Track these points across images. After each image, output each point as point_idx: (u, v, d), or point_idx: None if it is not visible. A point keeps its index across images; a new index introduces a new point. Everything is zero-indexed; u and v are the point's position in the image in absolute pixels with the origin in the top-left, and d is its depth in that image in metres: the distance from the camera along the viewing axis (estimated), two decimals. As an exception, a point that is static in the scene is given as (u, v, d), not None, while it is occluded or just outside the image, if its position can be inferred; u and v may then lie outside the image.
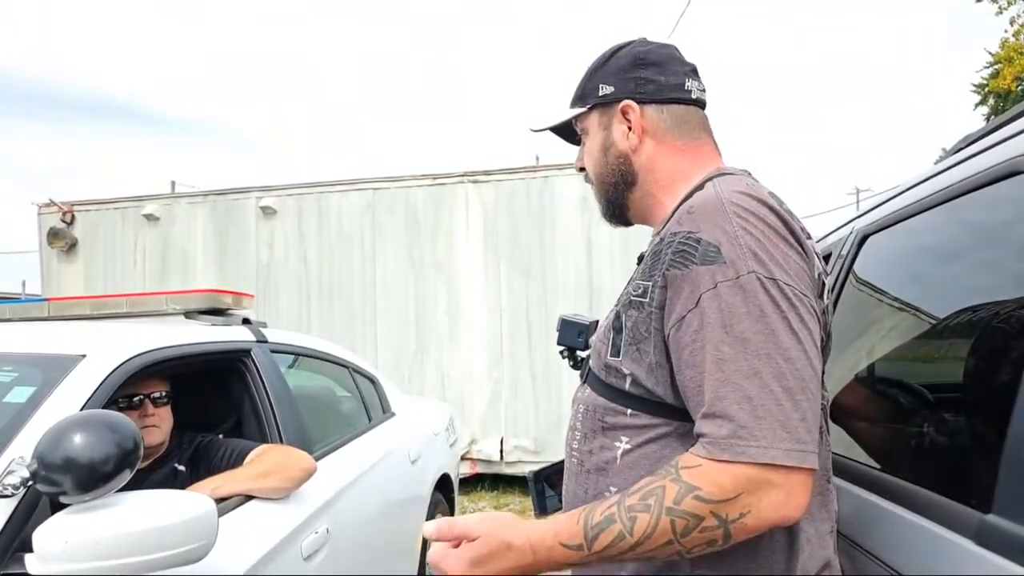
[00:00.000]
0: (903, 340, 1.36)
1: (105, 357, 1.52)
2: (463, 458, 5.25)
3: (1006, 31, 15.37)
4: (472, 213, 5.77)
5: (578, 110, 1.08)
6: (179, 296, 2.28)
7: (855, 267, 1.58)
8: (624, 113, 1.03)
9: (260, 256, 6.14)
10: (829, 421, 0.99)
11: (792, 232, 0.86)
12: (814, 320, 0.83)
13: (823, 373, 0.95)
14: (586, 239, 5.51)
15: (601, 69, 1.06)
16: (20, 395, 1.40)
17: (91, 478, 1.10)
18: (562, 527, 0.83)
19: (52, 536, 1.07)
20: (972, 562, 0.81)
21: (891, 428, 1.34)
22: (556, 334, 1.35)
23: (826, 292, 0.93)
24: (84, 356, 1.50)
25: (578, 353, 1.33)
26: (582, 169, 1.13)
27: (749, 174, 0.99)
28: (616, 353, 0.93)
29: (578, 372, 1.16)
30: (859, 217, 1.73)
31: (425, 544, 2.84)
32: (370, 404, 2.95)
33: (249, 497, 1.68)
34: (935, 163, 1.37)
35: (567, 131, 1.15)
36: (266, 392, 2.04)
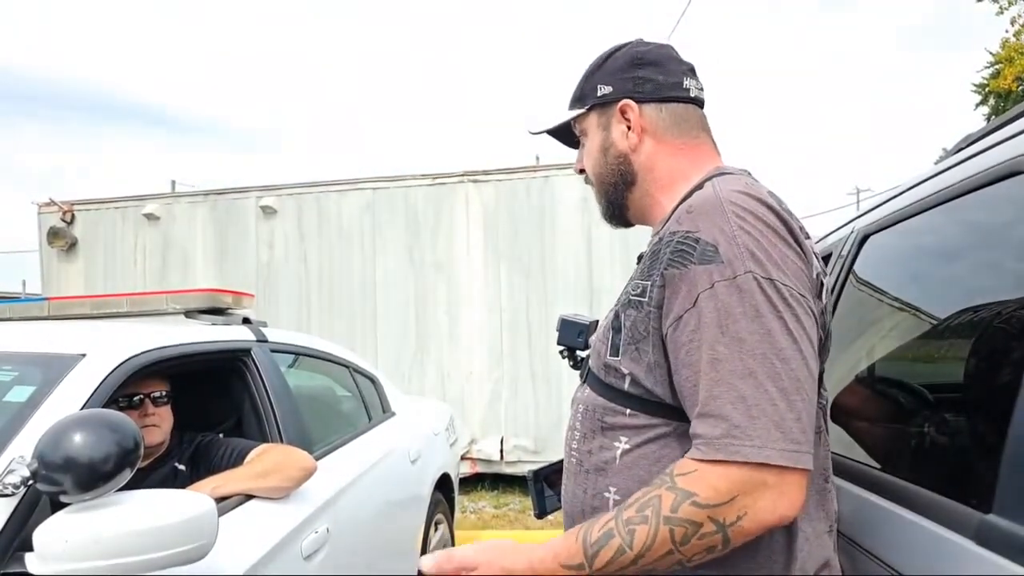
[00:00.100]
0: (903, 340, 1.36)
1: (105, 356, 1.52)
2: (463, 458, 5.25)
3: (1007, 31, 15.36)
4: (472, 213, 5.77)
5: (577, 111, 1.08)
6: (179, 295, 2.28)
7: (855, 267, 1.58)
8: (623, 112, 1.03)
9: (260, 256, 6.14)
10: (829, 421, 0.99)
11: (791, 232, 0.86)
12: (811, 320, 0.83)
13: (822, 373, 0.95)
14: (586, 239, 5.51)
15: (599, 70, 1.06)
16: (20, 394, 1.40)
17: (91, 477, 1.10)
18: (561, 548, 0.83)
19: (52, 535, 1.07)
20: (972, 562, 0.81)
21: (891, 428, 1.34)
22: (556, 334, 1.35)
23: (824, 292, 0.93)
24: (84, 355, 1.50)
25: (578, 353, 1.33)
26: (582, 171, 1.12)
27: (749, 173, 0.99)
28: (615, 353, 0.93)
29: (578, 372, 1.16)
30: (859, 217, 1.73)
31: (425, 544, 2.84)
32: (370, 404, 2.95)
33: (249, 496, 1.68)
34: (935, 163, 1.37)
35: (566, 134, 1.15)
36: (266, 391, 2.04)
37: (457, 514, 3.68)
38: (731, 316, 0.79)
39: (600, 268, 5.47)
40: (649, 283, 0.89)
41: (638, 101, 1.02)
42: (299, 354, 2.57)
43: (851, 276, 1.59)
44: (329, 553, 1.88)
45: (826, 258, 1.80)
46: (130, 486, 1.18)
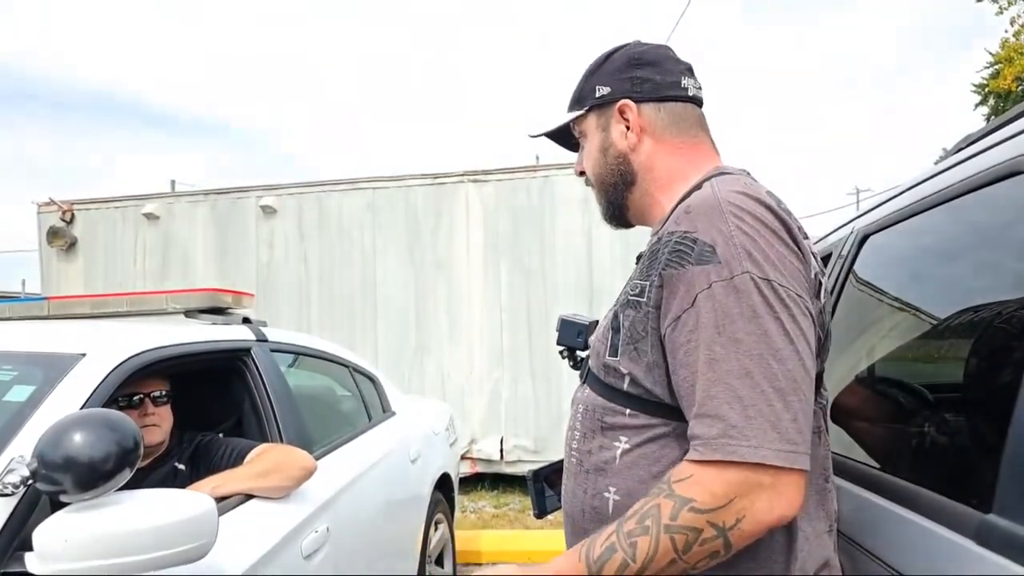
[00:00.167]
0: (903, 340, 1.36)
1: (105, 356, 1.52)
2: (463, 457, 5.25)
3: (1006, 31, 15.36)
4: (472, 212, 5.77)
5: (575, 113, 1.08)
6: (179, 295, 2.28)
7: (855, 267, 1.58)
8: (621, 112, 1.03)
9: (260, 255, 6.14)
10: (829, 421, 0.99)
11: (789, 232, 0.86)
12: (808, 320, 0.83)
13: (822, 373, 0.95)
14: (586, 238, 5.51)
15: (597, 72, 1.07)
16: (20, 394, 1.39)
17: (91, 477, 1.10)
18: (564, 567, 0.83)
19: (52, 535, 1.07)
20: (972, 562, 0.81)
21: (891, 428, 1.34)
22: (556, 334, 1.35)
23: (823, 292, 0.93)
24: (84, 355, 1.50)
25: (578, 353, 1.33)
26: (582, 173, 1.12)
27: (748, 173, 0.99)
28: (614, 353, 0.93)
29: (578, 372, 1.16)
30: (859, 217, 1.73)
31: (425, 544, 2.84)
32: (370, 403, 2.95)
33: (249, 496, 1.68)
34: (935, 163, 1.37)
35: (565, 137, 1.15)
36: (266, 391, 2.04)
37: (457, 514, 3.69)
38: (728, 316, 0.79)
39: (600, 268, 5.47)
40: (647, 283, 0.89)
41: (636, 101, 1.02)
42: (299, 354, 2.57)
43: (851, 276, 1.59)
44: (329, 553, 1.88)
45: (826, 258, 1.80)
46: (130, 486, 1.18)
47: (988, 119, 14.98)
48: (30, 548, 1.08)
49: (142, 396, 1.77)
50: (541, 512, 1.25)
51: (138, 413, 1.74)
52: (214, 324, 2.20)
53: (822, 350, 0.93)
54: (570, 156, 1.18)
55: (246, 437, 1.98)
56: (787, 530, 0.85)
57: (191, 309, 2.25)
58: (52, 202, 6.49)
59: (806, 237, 0.90)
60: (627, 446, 0.91)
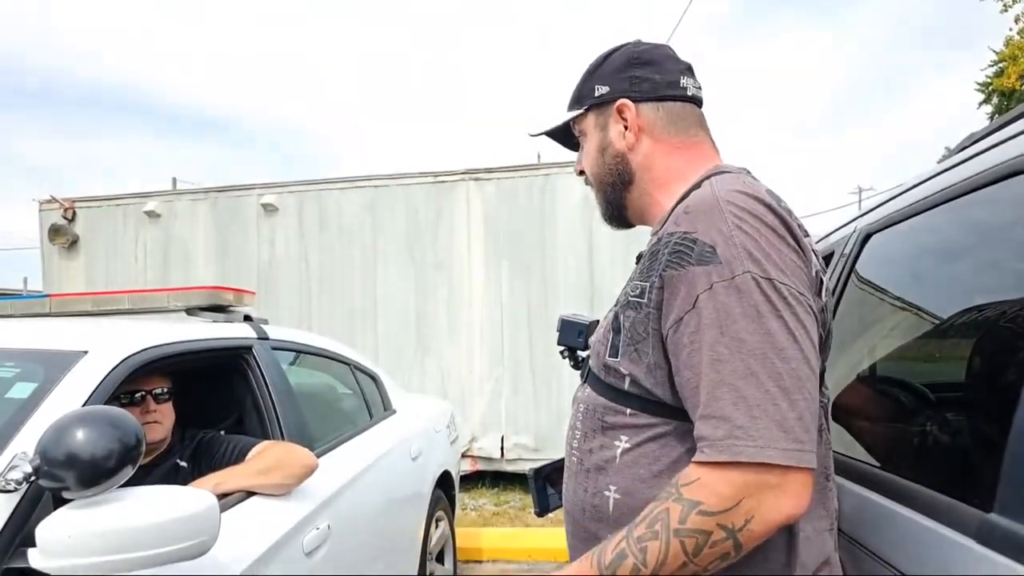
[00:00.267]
0: (905, 339, 1.36)
1: (107, 353, 1.52)
2: (464, 455, 5.26)
3: (1011, 29, 15.32)
4: (473, 211, 5.77)
5: (575, 112, 1.08)
6: (181, 293, 2.28)
7: (858, 266, 1.58)
8: (620, 112, 1.03)
9: (261, 253, 6.14)
10: (830, 419, 0.99)
11: (789, 230, 0.85)
12: (811, 318, 0.83)
13: (823, 371, 0.95)
14: (587, 237, 5.51)
15: (596, 71, 1.06)
16: (22, 391, 1.40)
17: (93, 474, 1.10)
18: (576, 573, 0.84)
19: (55, 531, 1.07)
20: (974, 561, 0.81)
21: (893, 427, 1.34)
22: (556, 333, 1.35)
23: (824, 290, 0.93)
24: (86, 352, 1.50)
25: (578, 353, 1.33)
26: (582, 173, 1.12)
27: (748, 172, 0.98)
28: (615, 353, 0.93)
29: (578, 371, 1.16)
30: (862, 216, 1.73)
31: (426, 541, 2.84)
32: (371, 401, 2.96)
33: (251, 493, 1.68)
34: (938, 162, 1.37)
35: (565, 137, 1.15)
36: (267, 389, 2.05)
37: (458, 511, 3.69)
38: (731, 317, 0.79)
39: (601, 267, 5.47)
40: (648, 284, 0.89)
41: (635, 100, 1.02)
42: (300, 351, 2.57)
43: (853, 275, 1.59)
44: (330, 550, 1.88)
45: (828, 257, 1.80)
46: (132, 483, 1.18)
47: (992, 118, 14.95)
48: (33, 544, 1.09)
49: (144, 393, 1.77)
50: (542, 510, 1.25)
51: (140, 410, 1.75)
52: (215, 322, 2.20)
53: (823, 348, 0.93)
54: (571, 155, 1.18)
55: (248, 434, 1.99)
56: (788, 529, 0.85)
57: (192, 307, 2.25)
58: (54, 200, 6.49)
59: (807, 235, 0.90)
60: (627, 445, 0.91)
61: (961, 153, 1.21)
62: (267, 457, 1.77)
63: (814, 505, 0.89)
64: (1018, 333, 0.90)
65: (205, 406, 2.14)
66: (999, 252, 1.03)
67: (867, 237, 1.55)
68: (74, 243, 6.47)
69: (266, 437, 1.95)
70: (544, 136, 1.16)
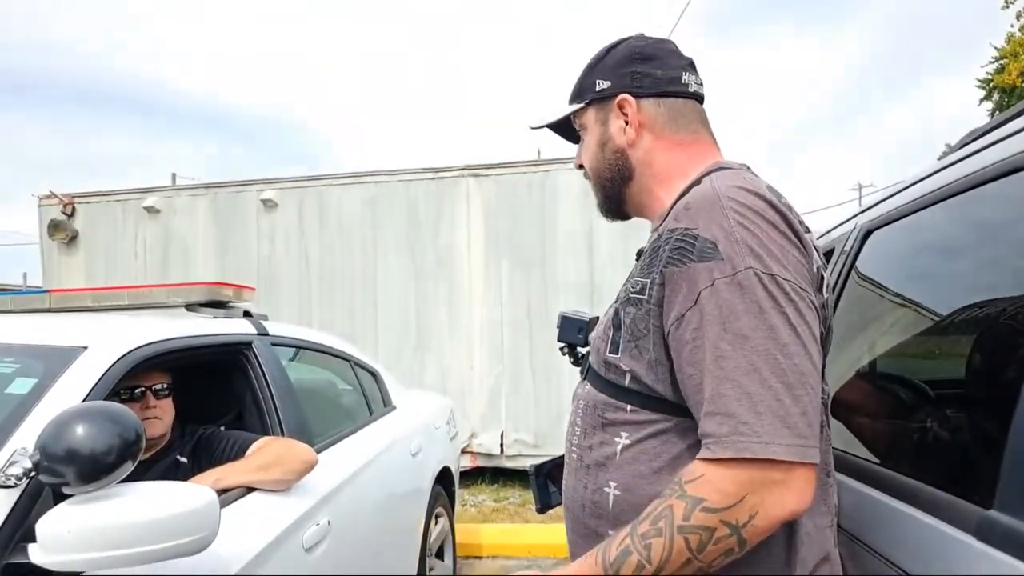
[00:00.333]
0: (905, 336, 1.36)
1: (107, 349, 1.52)
2: (463, 451, 5.26)
3: (1012, 25, 15.27)
4: (473, 207, 5.77)
5: (575, 106, 1.08)
6: (180, 288, 2.28)
7: (858, 262, 1.58)
8: (621, 107, 1.03)
9: (261, 249, 6.14)
10: (830, 416, 0.99)
11: (790, 226, 0.85)
12: (813, 314, 0.83)
13: (824, 367, 0.95)
14: (587, 234, 5.50)
15: (598, 65, 1.06)
16: (22, 386, 1.40)
17: (93, 469, 1.10)
18: (581, 570, 0.84)
19: (55, 526, 1.07)
20: (973, 558, 0.81)
21: (893, 424, 1.34)
22: (556, 329, 1.35)
23: (825, 286, 0.93)
24: (86, 348, 1.50)
25: (578, 349, 1.33)
26: (581, 167, 1.12)
27: (748, 168, 0.98)
28: (615, 350, 0.92)
29: (578, 368, 1.16)
30: (863, 212, 1.73)
31: (426, 537, 2.85)
32: (371, 397, 2.96)
33: (251, 489, 1.68)
34: (939, 159, 1.37)
35: (566, 129, 1.14)
36: (267, 385, 2.05)
37: (457, 507, 3.70)
38: (733, 313, 0.79)
39: (601, 263, 5.47)
40: (648, 281, 0.88)
41: (636, 96, 1.02)
42: (300, 347, 2.57)
43: (854, 271, 1.59)
44: (330, 546, 1.88)
45: (828, 253, 1.79)
46: (132, 478, 1.18)
47: (993, 114, 14.93)
48: (33, 539, 1.09)
49: (144, 389, 1.77)
50: (544, 507, 1.25)
51: (140, 406, 1.75)
52: (215, 318, 2.20)
53: (824, 345, 0.93)
54: (571, 151, 1.18)
55: (247, 430, 1.99)
56: (789, 525, 0.85)
57: (192, 303, 2.25)
58: (53, 195, 6.49)
59: (808, 231, 0.90)
60: (628, 441, 0.91)
61: (962, 150, 1.20)
62: (267, 453, 1.77)
63: (815, 501, 0.89)
64: (1018, 330, 0.90)
65: (205, 402, 2.14)
66: (1000, 249, 1.03)
67: (867, 234, 1.55)
68: (73, 239, 6.47)
69: (266, 433, 1.95)
70: (545, 128, 1.16)
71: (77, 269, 6.47)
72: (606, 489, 0.92)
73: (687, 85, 1.03)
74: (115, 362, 1.50)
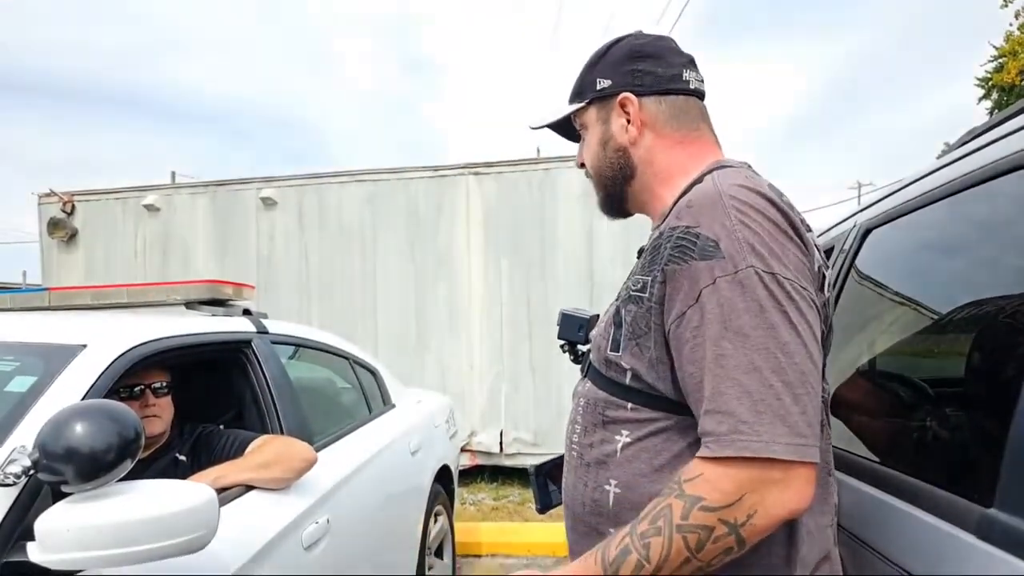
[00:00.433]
0: (905, 334, 1.36)
1: (106, 347, 1.52)
2: (463, 450, 5.26)
3: (1011, 24, 15.27)
4: (473, 205, 5.76)
5: (576, 105, 1.08)
6: (180, 287, 2.28)
7: (857, 261, 1.58)
8: (622, 106, 1.02)
9: (260, 247, 6.13)
10: (830, 415, 0.99)
11: (792, 225, 0.85)
12: (814, 313, 0.83)
13: (824, 366, 0.95)
14: (587, 232, 5.50)
15: (598, 63, 1.06)
16: (21, 384, 1.39)
17: (93, 467, 1.10)
18: (581, 569, 0.84)
19: (54, 524, 1.07)
20: (974, 556, 0.81)
21: (893, 422, 1.34)
22: (556, 327, 1.35)
23: (826, 285, 0.92)
24: (85, 346, 1.50)
25: (579, 347, 1.32)
26: (582, 165, 1.12)
27: (749, 166, 0.98)
28: (616, 348, 0.92)
29: (579, 366, 1.16)
30: (862, 211, 1.73)
31: (425, 535, 2.85)
32: (370, 396, 2.96)
33: (250, 487, 1.68)
34: (938, 157, 1.36)
35: (567, 128, 1.14)
36: (267, 383, 2.04)
37: (457, 506, 3.70)
38: (734, 311, 0.79)
39: (601, 262, 5.47)
40: (650, 279, 0.88)
41: (637, 94, 1.02)
42: (299, 346, 2.57)
43: (853, 270, 1.59)
44: (329, 544, 1.88)
45: (828, 252, 1.79)
46: (131, 476, 1.18)
47: (991, 113, 14.92)
48: (32, 538, 1.08)
49: (143, 387, 1.77)
50: (544, 507, 1.25)
51: (139, 404, 1.74)
52: (215, 316, 2.20)
53: (825, 344, 0.93)
54: (571, 148, 1.18)
55: (247, 428, 1.98)
56: (789, 524, 0.85)
57: (192, 301, 2.25)
58: (53, 193, 6.48)
59: (809, 230, 0.90)
60: (628, 440, 0.91)
61: (961, 148, 1.20)
62: (266, 451, 1.77)
63: (816, 500, 0.89)
64: (1018, 328, 0.90)
65: (204, 400, 2.14)
66: (999, 247, 1.03)
67: (867, 232, 1.55)
68: (73, 236, 6.46)
69: (265, 431, 1.95)
70: (546, 128, 1.15)
71: (76, 267, 6.46)
72: (606, 487, 0.92)
73: (688, 82, 1.03)
74: (114, 360, 1.50)
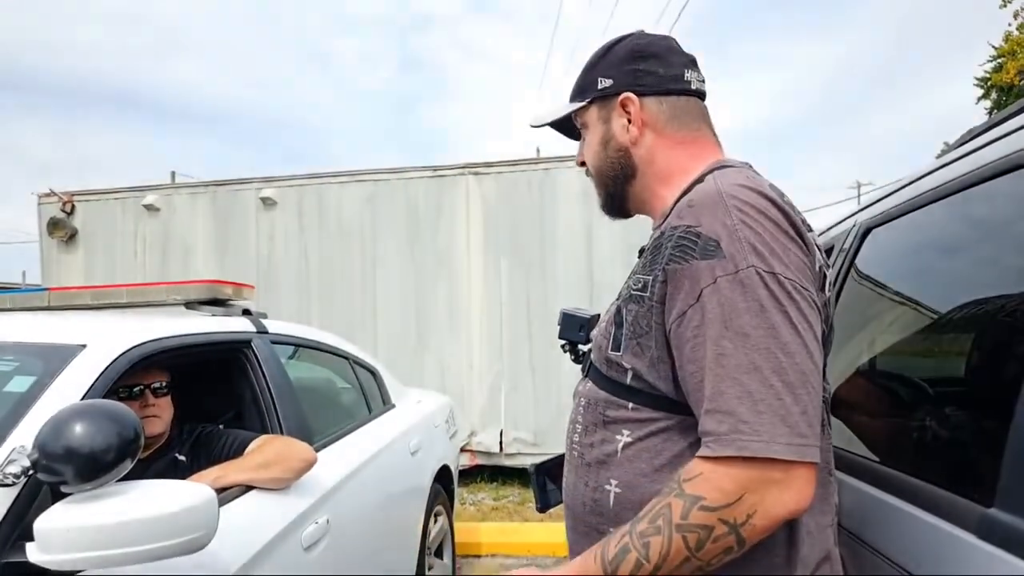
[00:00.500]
0: (905, 334, 1.36)
1: (106, 347, 1.52)
2: (463, 450, 5.26)
3: (1010, 24, 15.27)
4: (473, 205, 5.76)
5: (577, 104, 1.08)
6: (179, 287, 2.27)
7: (857, 260, 1.58)
8: (624, 106, 1.02)
9: (260, 247, 6.13)
10: (830, 415, 0.99)
11: (793, 225, 0.85)
12: (815, 313, 0.83)
13: (824, 366, 0.95)
14: (587, 232, 5.50)
15: (600, 63, 1.06)
16: (21, 384, 1.39)
17: (92, 467, 1.10)
18: (579, 569, 0.84)
19: (53, 525, 1.07)
20: (974, 556, 0.81)
21: (893, 422, 1.34)
22: (557, 327, 1.35)
23: (827, 285, 0.92)
24: (85, 346, 1.50)
25: (579, 347, 1.32)
26: (583, 164, 1.12)
27: (750, 166, 0.98)
28: (617, 347, 0.92)
29: (579, 365, 1.16)
30: (862, 210, 1.73)
31: (425, 535, 2.85)
32: (370, 396, 2.96)
33: (249, 487, 1.68)
34: (937, 157, 1.36)
35: (568, 126, 1.14)
36: (266, 383, 2.04)
37: (456, 506, 3.70)
38: (735, 311, 0.79)
39: (601, 261, 5.47)
40: (651, 278, 0.88)
41: (639, 94, 1.02)
42: (299, 346, 2.57)
43: (853, 269, 1.59)
44: (329, 544, 1.88)
45: (828, 251, 1.79)
46: (131, 476, 1.18)
47: (991, 113, 14.93)
48: (31, 538, 1.08)
49: (142, 387, 1.77)
50: (544, 506, 1.24)
51: (139, 404, 1.74)
52: (214, 316, 2.20)
53: (825, 343, 0.93)
54: (571, 148, 1.18)
55: (246, 428, 1.98)
56: (789, 525, 0.85)
57: (191, 301, 2.25)
58: (52, 193, 6.48)
59: (810, 230, 0.90)
60: (629, 439, 0.91)
61: (960, 148, 1.20)
62: (266, 451, 1.77)
63: (816, 500, 0.89)
64: (1018, 327, 0.90)
65: (204, 400, 2.14)
66: (999, 247, 1.03)
67: (867, 232, 1.55)
68: (73, 236, 6.46)
69: (265, 431, 1.95)
70: (547, 126, 1.15)
71: (76, 267, 6.46)
72: (607, 487, 0.92)
73: (689, 83, 1.03)
74: (114, 360, 1.50)
